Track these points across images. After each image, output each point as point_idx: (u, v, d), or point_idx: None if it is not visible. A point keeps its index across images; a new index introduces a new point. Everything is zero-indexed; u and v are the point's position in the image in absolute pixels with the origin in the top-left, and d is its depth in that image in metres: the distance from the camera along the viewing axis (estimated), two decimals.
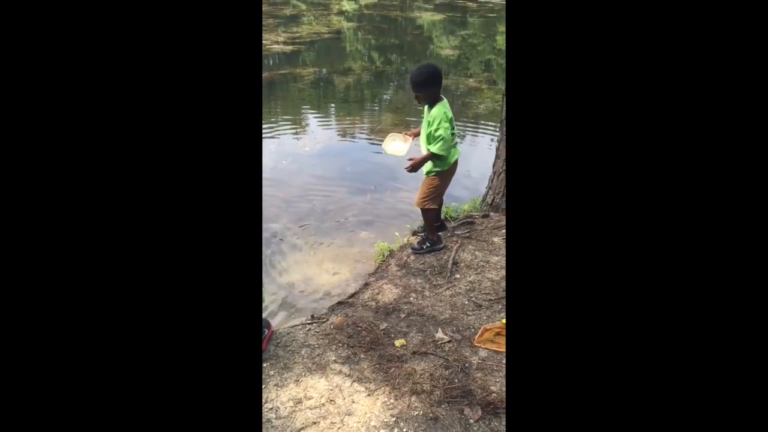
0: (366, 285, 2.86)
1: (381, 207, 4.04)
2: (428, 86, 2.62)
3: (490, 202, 3.53)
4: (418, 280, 2.80)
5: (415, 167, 2.75)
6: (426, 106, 2.74)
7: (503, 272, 2.77)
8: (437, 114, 2.64)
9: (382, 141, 2.99)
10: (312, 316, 2.60)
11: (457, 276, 2.78)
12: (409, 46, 12.07)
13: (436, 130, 2.65)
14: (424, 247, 3.05)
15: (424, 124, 2.76)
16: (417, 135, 2.90)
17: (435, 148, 2.68)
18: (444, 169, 2.80)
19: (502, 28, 12.92)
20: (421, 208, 2.93)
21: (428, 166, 2.80)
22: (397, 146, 2.89)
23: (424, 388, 2.00)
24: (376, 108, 7.91)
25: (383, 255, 3.18)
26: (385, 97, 8.58)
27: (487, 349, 2.23)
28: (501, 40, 11.75)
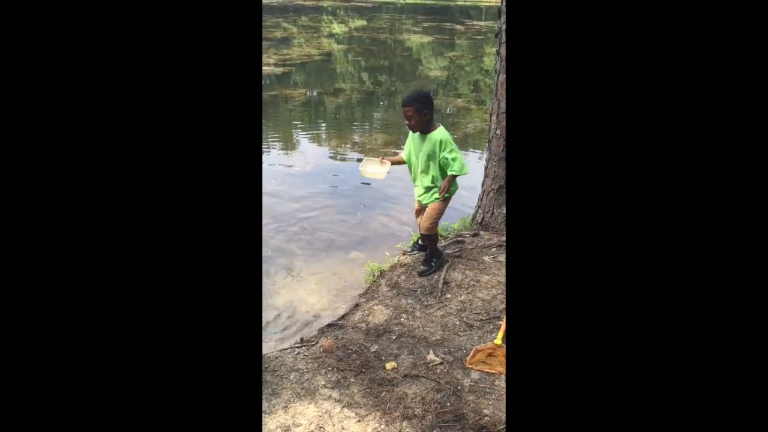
0: (356, 306, 2.82)
1: (371, 227, 4.03)
2: (425, 107, 2.63)
3: (479, 221, 3.53)
4: (409, 301, 2.77)
5: (446, 191, 2.77)
6: (417, 134, 2.74)
7: (494, 291, 2.75)
8: (444, 137, 2.66)
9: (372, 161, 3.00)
10: (301, 339, 2.55)
11: (448, 296, 2.75)
12: (399, 67, 12.24)
13: (450, 152, 2.67)
14: (433, 264, 3.02)
15: (422, 153, 2.74)
16: (394, 162, 2.91)
17: (457, 169, 2.68)
18: (453, 192, 2.85)
19: (489, 49, 13.16)
20: (429, 234, 2.91)
21: (435, 192, 2.80)
22: (375, 169, 2.88)
23: (416, 412, 1.96)
24: (366, 127, 7.96)
25: (374, 275, 3.15)
26: (375, 116, 8.67)
27: (479, 370, 2.20)
28: (488, 61, 11.98)
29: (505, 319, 2.42)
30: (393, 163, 2.91)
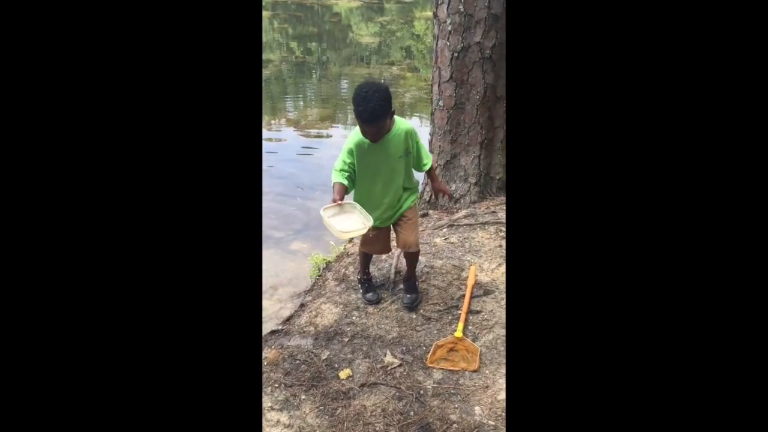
0: (302, 306, 2.57)
1: (311, 213, 3.72)
2: (390, 109, 1.96)
3: (427, 200, 3.34)
4: (359, 295, 2.54)
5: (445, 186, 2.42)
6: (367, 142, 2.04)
7: (449, 278, 2.58)
8: (408, 126, 2.12)
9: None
10: None
11: (401, 286, 2.55)
12: (329, 35, 11.75)
13: (420, 148, 2.19)
14: (418, 288, 2.48)
15: (383, 162, 2.09)
16: (342, 196, 2.06)
17: (430, 161, 2.26)
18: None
19: (419, 13, 12.87)
20: (416, 250, 2.34)
21: (413, 196, 2.29)
22: (350, 222, 2.02)
23: (377, 428, 1.76)
24: (300, 100, 7.57)
25: (319, 269, 2.89)
26: (308, 87, 8.26)
27: (441, 369, 2.03)
28: (419, 26, 11.71)
29: (464, 309, 2.25)
30: (341, 198, 2.06)
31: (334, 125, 6.27)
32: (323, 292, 2.64)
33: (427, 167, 2.25)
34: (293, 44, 10.76)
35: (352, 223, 2.02)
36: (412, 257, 2.37)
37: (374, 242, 2.31)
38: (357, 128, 2.04)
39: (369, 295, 2.49)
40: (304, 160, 4.86)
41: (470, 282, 2.39)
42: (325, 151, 5.18)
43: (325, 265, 2.92)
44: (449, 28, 3.00)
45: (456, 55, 3.04)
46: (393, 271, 2.65)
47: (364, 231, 2.01)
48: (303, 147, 5.33)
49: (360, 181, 2.15)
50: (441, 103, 3.16)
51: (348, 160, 2.09)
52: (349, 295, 2.56)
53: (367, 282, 2.52)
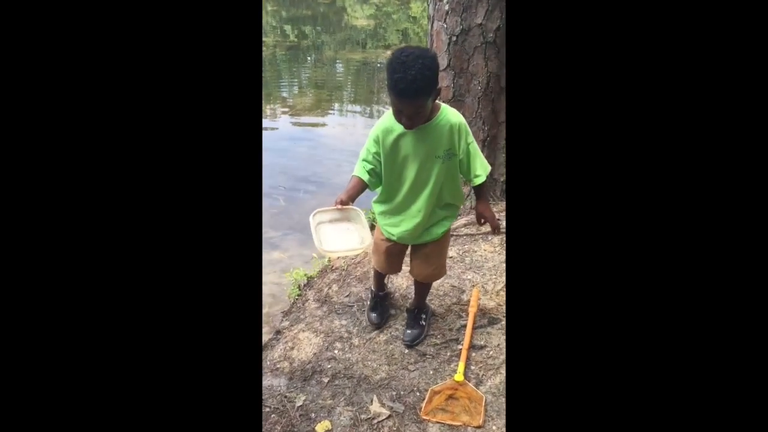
0: (277, 334, 2.22)
1: (294, 216, 3.36)
2: (434, 85, 1.46)
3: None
4: (343, 322, 2.19)
5: (496, 221, 1.76)
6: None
7: (447, 301, 2.23)
8: (459, 124, 1.58)
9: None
10: None
11: (392, 311, 2.20)
12: (323, 18, 11.36)
13: (471, 142, 1.63)
14: (423, 324, 2.03)
15: (417, 156, 1.59)
16: (351, 197, 1.62)
17: (484, 171, 1.66)
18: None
19: None
20: (431, 281, 1.99)
21: (449, 221, 1.79)
22: (344, 236, 1.55)
23: None
24: (295, 85, 7.25)
25: (299, 286, 2.54)
26: (303, 72, 7.94)
27: (438, 422, 1.68)
28: (415, 8, 11.35)
29: (466, 344, 1.90)
30: (350, 199, 1.60)
31: (330, 111, 6.05)
32: (302, 317, 2.29)
33: (479, 181, 1.67)
34: (287, 28, 10.38)
35: (347, 237, 1.55)
36: (423, 286, 2.00)
37: (386, 257, 1.88)
38: (389, 111, 1.57)
39: (373, 315, 2.11)
40: (293, 152, 4.50)
41: (472, 309, 2.03)
42: (318, 140, 4.95)
43: (306, 281, 2.57)
44: (446, 8, 2.61)
45: (454, 39, 2.65)
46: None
47: (358, 252, 1.67)
48: (294, 136, 5.05)
49: (383, 178, 1.68)
50: None
51: (373, 149, 1.63)
52: (331, 321, 2.21)
53: (378, 297, 2.13)
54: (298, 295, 2.48)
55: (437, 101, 1.57)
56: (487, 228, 1.78)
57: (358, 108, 6.35)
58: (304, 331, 2.18)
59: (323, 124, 5.51)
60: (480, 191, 1.74)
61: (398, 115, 1.51)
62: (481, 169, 1.66)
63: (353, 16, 11.19)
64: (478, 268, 2.40)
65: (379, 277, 2.11)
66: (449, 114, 1.59)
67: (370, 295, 2.19)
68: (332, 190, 3.84)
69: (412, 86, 1.39)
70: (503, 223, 2.09)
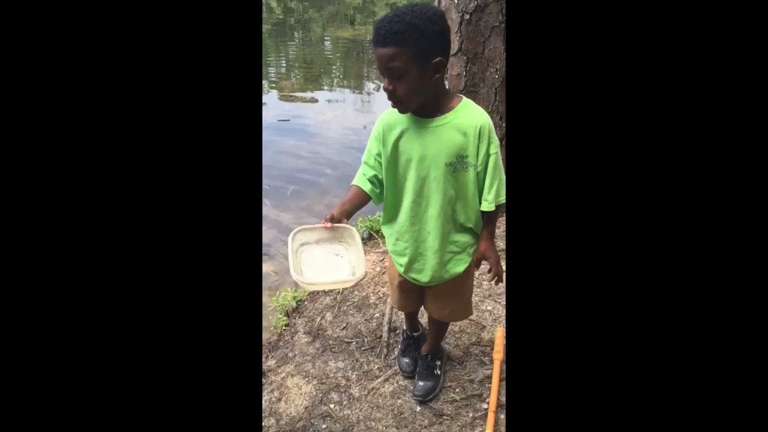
0: (262, 378, 1.86)
1: (282, 221, 2.97)
2: (437, 47, 1.12)
3: None
4: (340, 364, 1.84)
5: (499, 266, 1.36)
6: (410, 118, 1.23)
7: (464, 339, 1.87)
8: (483, 125, 1.20)
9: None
10: None
11: (396, 353, 1.84)
12: None
13: (497, 152, 1.23)
14: (438, 372, 1.67)
15: (429, 161, 1.23)
16: (346, 212, 1.28)
17: (496, 202, 1.27)
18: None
19: None
20: (449, 321, 1.66)
21: (467, 255, 1.37)
22: (331, 264, 1.22)
23: None
24: (283, 64, 6.82)
25: (287, 313, 2.17)
26: (290, 50, 7.50)
27: None
28: None
29: (493, 401, 1.55)
30: (344, 215, 1.27)
31: (320, 88, 5.89)
32: (291, 354, 1.93)
33: (486, 208, 1.28)
34: (272, 3, 9.84)
35: (336, 265, 1.21)
36: (440, 326, 1.63)
37: (400, 292, 1.52)
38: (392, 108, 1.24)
39: (405, 361, 1.73)
40: (281, 142, 4.09)
41: (498, 356, 1.67)
42: (309, 119, 4.72)
43: (294, 307, 2.20)
44: None
45: (467, 17, 2.24)
46: (386, 327, 1.94)
47: (347, 285, 1.32)
48: (283, 117, 4.75)
49: (386, 189, 1.32)
50: (446, 85, 2.37)
51: (375, 150, 1.30)
52: (325, 362, 1.85)
53: (410, 339, 1.75)
54: (286, 325, 2.11)
55: (458, 94, 1.24)
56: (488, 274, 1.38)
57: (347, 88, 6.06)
58: (293, 375, 1.82)
59: (314, 100, 5.38)
60: (488, 219, 1.35)
61: (385, 85, 1.15)
62: (496, 193, 1.26)
63: None
64: (499, 295, 2.04)
65: (411, 315, 1.74)
66: (472, 111, 1.22)
67: (401, 340, 1.81)
68: (325, 186, 3.46)
69: (386, 27, 1.08)
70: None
